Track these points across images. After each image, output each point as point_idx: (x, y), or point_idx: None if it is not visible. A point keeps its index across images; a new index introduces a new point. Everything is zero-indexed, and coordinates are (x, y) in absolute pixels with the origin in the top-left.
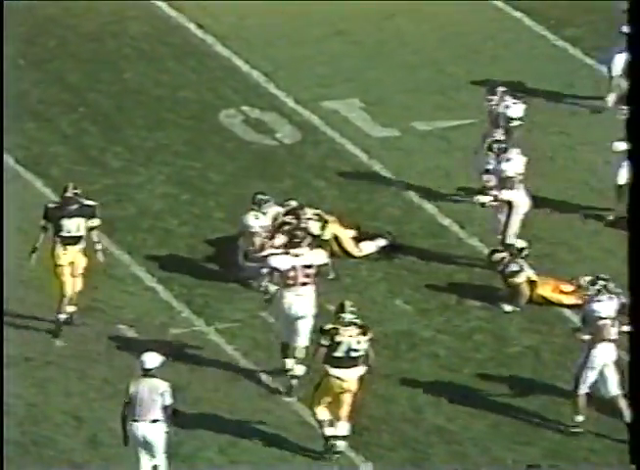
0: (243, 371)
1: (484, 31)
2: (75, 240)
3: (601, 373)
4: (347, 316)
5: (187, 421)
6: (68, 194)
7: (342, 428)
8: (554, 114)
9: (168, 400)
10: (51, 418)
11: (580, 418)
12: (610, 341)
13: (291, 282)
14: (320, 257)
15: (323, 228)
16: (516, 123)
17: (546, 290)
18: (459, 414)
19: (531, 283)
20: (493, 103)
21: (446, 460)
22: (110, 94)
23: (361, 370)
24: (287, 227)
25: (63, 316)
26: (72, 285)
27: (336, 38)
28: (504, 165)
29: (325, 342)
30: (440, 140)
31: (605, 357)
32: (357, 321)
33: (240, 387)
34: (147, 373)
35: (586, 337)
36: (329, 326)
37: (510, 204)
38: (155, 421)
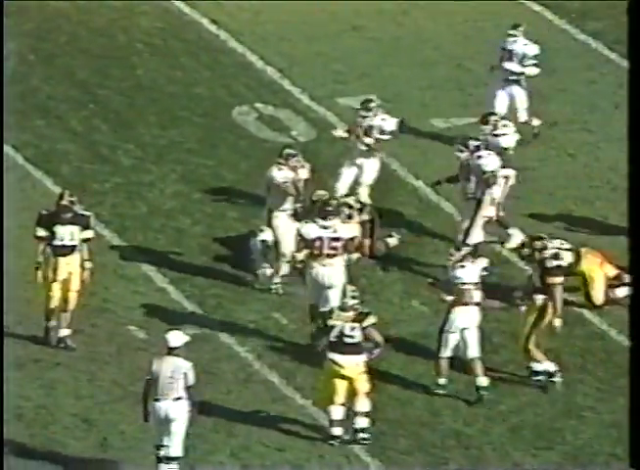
0: (255, 373)
1: (504, 26)
2: (68, 250)
3: (462, 336)
4: (348, 302)
5: (198, 424)
6: (64, 202)
7: (362, 405)
8: (575, 110)
9: (191, 380)
10: (60, 421)
11: (442, 381)
12: (471, 305)
13: (316, 252)
14: (350, 230)
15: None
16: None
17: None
18: (477, 418)
19: (577, 254)
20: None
21: (464, 465)
22: (121, 90)
23: (361, 358)
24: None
25: (52, 323)
26: (62, 301)
27: (352, 34)
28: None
29: (318, 323)
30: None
31: (465, 321)
32: (357, 307)
33: (252, 389)
34: (171, 352)
35: (449, 298)
36: (324, 309)
37: (479, 202)
38: (177, 399)
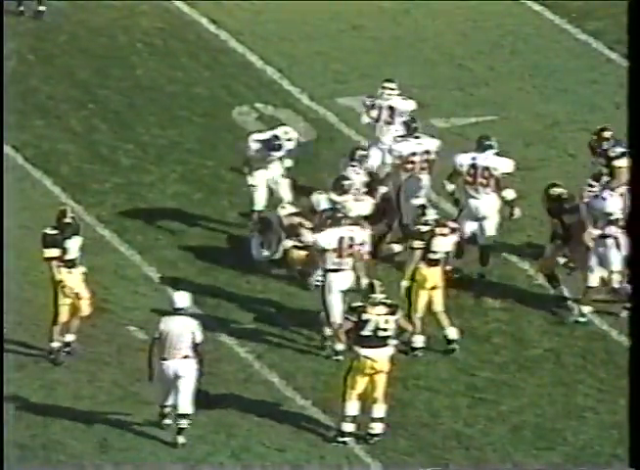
0: (255, 374)
1: (504, 26)
2: (77, 261)
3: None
4: (377, 296)
5: (198, 425)
6: (67, 220)
7: (379, 410)
8: (576, 110)
9: (199, 338)
10: (60, 421)
11: (341, 347)
12: (347, 270)
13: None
14: (360, 207)
15: None
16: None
17: None
18: (478, 419)
19: None
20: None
21: (465, 466)
22: (121, 90)
23: (391, 350)
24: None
25: (56, 344)
26: (71, 313)
27: (352, 34)
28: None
29: (352, 318)
30: (458, 137)
31: (340, 285)
32: (386, 301)
33: (252, 390)
34: (177, 312)
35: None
36: (357, 304)
37: (399, 188)
38: (185, 357)
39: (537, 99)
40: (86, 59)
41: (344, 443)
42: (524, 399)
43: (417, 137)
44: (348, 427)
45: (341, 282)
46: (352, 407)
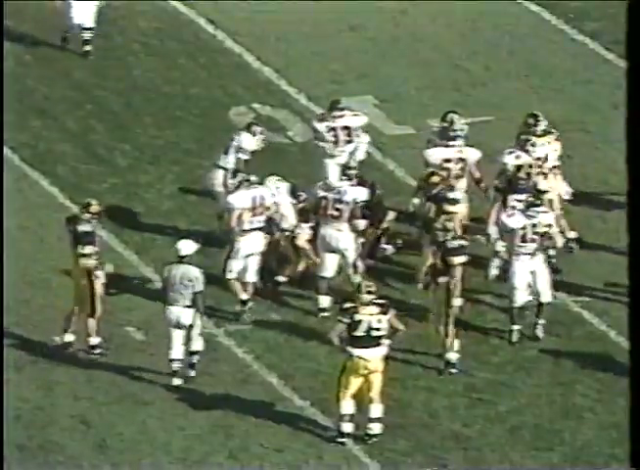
0: (253, 374)
1: (501, 26)
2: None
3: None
4: (366, 297)
5: (196, 425)
6: (94, 210)
7: (376, 410)
8: (572, 110)
9: (199, 287)
10: (58, 422)
11: (244, 296)
12: (253, 231)
13: (321, 212)
14: (356, 193)
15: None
16: None
17: None
18: (476, 419)
19: None
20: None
21: (463, 466)
22: (118, 91)
23: (384, 350)
24: None
25: (96, 340)
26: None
27: (349, 34)
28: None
29: (345, 320)
30: None
31: (249, 248)
32: (377, 301)
33: (250, 391)
34: (181, 260)
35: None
36: (348, 305)
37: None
38: (188, 306)
39: (534, 99)
40: (83, 59)
41: (343, 443)
42: (522, 400)
43: (452, 145)
44: (347, 427)
45: (249, 245)
46: (347, 406)
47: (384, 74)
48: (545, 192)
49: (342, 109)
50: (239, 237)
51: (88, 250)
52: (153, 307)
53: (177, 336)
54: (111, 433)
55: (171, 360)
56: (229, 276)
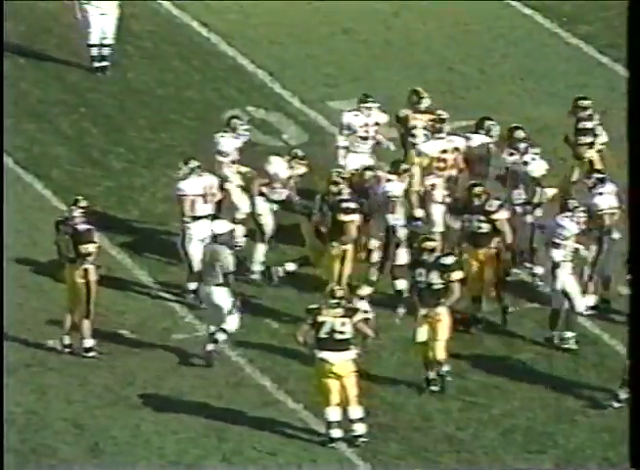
0: (247, 378)
1: (495, 29)
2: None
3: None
4: (336, 299)
5: (189, 428)
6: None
7: (355, 412)
8: (566, 113)
9: (229, 267)
10: (51, 426)
11: (193, 286)
12: (204, 217)
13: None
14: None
15: None
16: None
17: None
18: (469, 422)
19: None
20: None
21: (456, 469)
22: (112, 94)
23: (351, 354)
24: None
25: (92, 342)
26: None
27: (342, 37)
28: None
29: (308, 321)
30: None
31: (200, 234)
32: (345, 304)
33: (244, 394)
34: (215, 239)
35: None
36: (312, 306)
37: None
38: (218, 285)
39: (528, 102)
40: (77, 62)
41: (333, 448)
42: (515, 403)
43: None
44: (336, 433)
45: (201, 231)
46: (333, 413)
47: (377, 77)
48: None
49: (372, 103)
50: (189, 224)
51: (91, 247)
52: (146, 310)
53: (209, 314)
54: (104, 436)
55: (209, 334)
56: (187, 262)
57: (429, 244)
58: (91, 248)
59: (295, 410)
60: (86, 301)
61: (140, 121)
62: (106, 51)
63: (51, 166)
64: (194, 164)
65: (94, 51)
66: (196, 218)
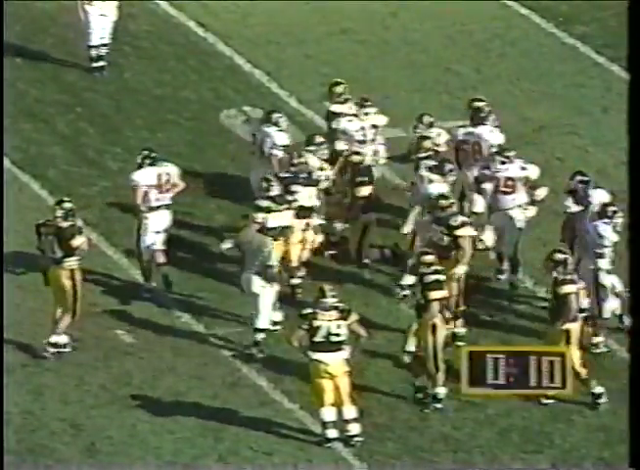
0: (243, 378)
1: (492, 29)
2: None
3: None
4: (328, 301)
5: (185, 428)
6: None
7: (349, 412)
8: (563, 114)
9: (269, 261)
10: (47, 426)
11: (150, 283)
12: (160, 208)
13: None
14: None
15: None
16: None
17: None
18: (466, 422)
19: None
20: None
21: (452, 469)
22: (108, 94)
23: (345, 354)
24: None
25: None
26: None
27: (340, 37)
28: None
29: (304, 326)
30: None
31: (156, 225)
32: (338, 305)
33: (240, 394)
34: (262, 230)
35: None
36: (307, 311)
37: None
38: (257, 274)
39: (525, 103)
40: (73, 62)
41: (329, 447)
42: (511, 403)
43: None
44: (332, 433)
45: (157, 222)
46: (328, 414)
47: (374, 78)
48: None
49: (370, 106)
50: (146, 214)
51: (78, 241)
52: (142, 311)
53: (253, 302)
54: (100, 436)
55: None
56: (143, 255)
57: (427, 258)
58: (77, 241)
59: (291, 410)
60: (73, 301)
61: (137, 121)
62: (103, 51)
63: (47, 166)
64: (146, 153)
65: (93, 52)
66: (152, 209)
